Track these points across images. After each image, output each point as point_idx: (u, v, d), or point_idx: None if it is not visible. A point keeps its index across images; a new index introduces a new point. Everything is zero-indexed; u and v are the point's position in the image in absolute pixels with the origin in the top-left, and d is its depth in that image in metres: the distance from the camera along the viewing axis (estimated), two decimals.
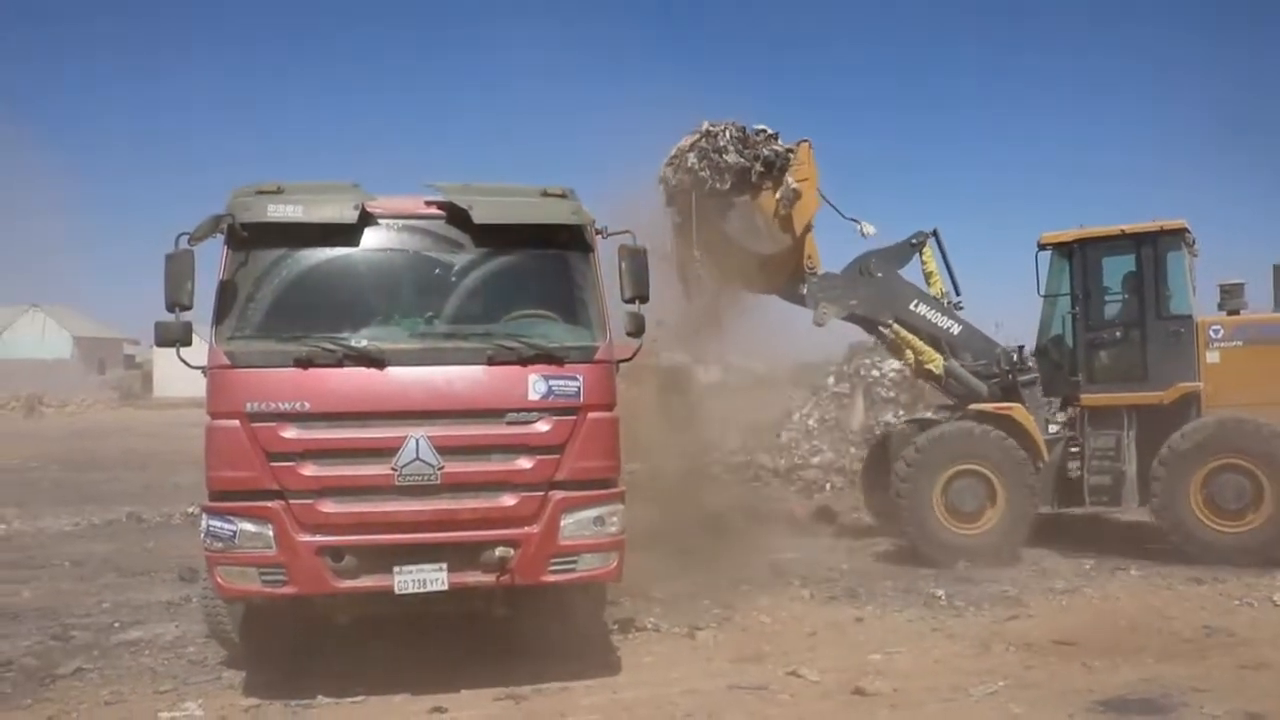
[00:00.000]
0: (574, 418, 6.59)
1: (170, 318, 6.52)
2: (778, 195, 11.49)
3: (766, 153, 11.50)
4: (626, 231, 7.13)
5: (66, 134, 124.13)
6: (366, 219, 6.66)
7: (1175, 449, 10.72)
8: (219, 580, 6.41)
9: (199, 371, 6.50)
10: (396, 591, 6.38)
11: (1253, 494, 10.50)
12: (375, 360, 6.41)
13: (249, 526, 6.29)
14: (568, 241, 6.93)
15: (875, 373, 20.27)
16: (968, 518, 11.00)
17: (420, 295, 6.83)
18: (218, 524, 6.33)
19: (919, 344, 11.99)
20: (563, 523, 6.56)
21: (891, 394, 19.93)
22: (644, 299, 7.08)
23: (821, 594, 9.65)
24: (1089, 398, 11.49)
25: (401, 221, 6.84)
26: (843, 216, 11.99)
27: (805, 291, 11.92)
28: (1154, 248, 11.35)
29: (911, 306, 12.00)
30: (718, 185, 11.41)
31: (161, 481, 20.05)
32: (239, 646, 7.41)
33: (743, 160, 11.43)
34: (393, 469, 6.34)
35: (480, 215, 6.70)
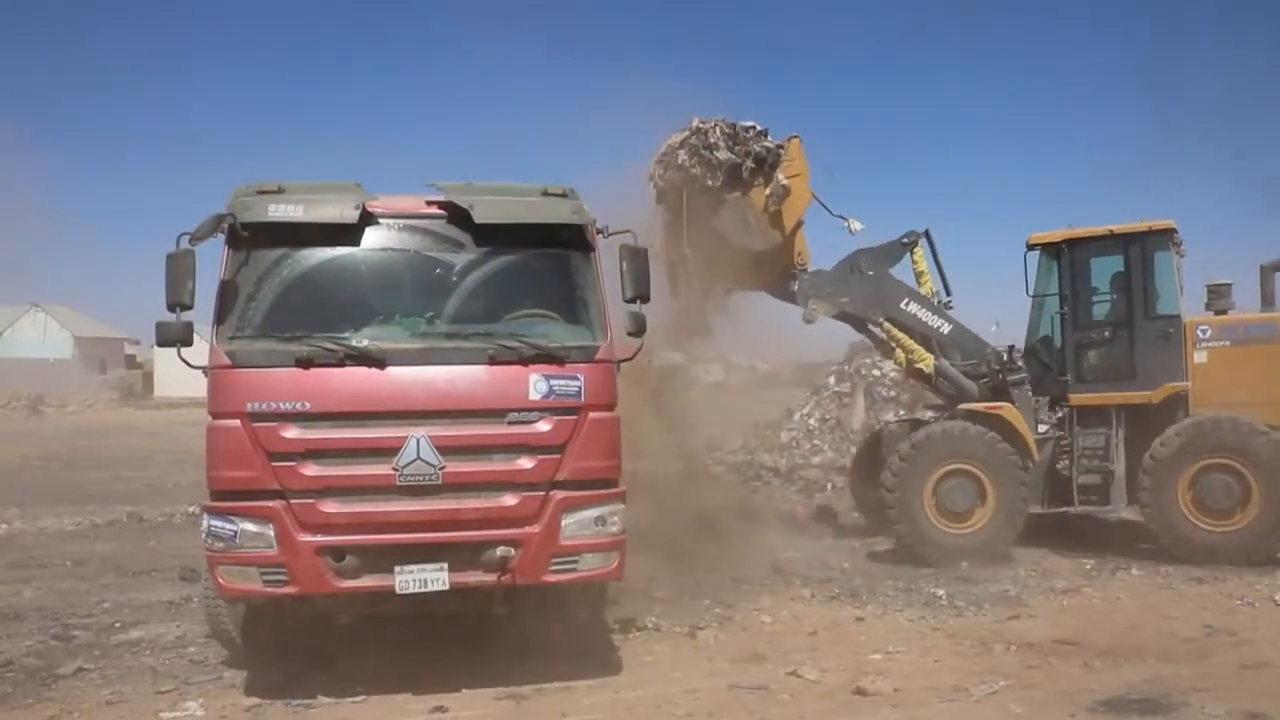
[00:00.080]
0: (575, 417, 6.59)
1: (171, 318, 6.52)
2: (768, 191, 11.46)
3: (757, 149, 11.47)
4: (627, 231, 7.12)
5: (67, 134, 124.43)
6: (367, 219, 6.66)
7: (1164, 449, 10.76)
8: (220, 580, 6.41)
9: (200, 371, 6.49)
10: (397, 591, 6.38)
11: (1240, 493, 10.54)
12: (376, 360, 6.41)
13: (250, 526, 6.29)
14: (569, 241, 6.92)
15: (876, 372, 20.28)
16: (958, 517, 11.02)
17: (421, 295, 6.83)
18: (219, 524, 6.33)
19: (910, 343, 12.00)
20: (564, 522, 6.56)
21: (892, 393, 19.94)
22: (645, 299, 7.08)
23: (822, 594, 9.64)
24: (1078, 397, 11.53)
25: (402, 221, 6.84)
26: (831, 213, 11.99)
27: (796, 289, 11.91)
28: (1142, 248, 11.40)
29: (902, 305, 12.00)
30: (709, 182, 11.37)
31: (163, 481, 20.08)
32: (240, 646, 7.42)
33: (734, 157, 11.38)
34: (394, 469, 6.33)
35: (481, 215, 6.69)
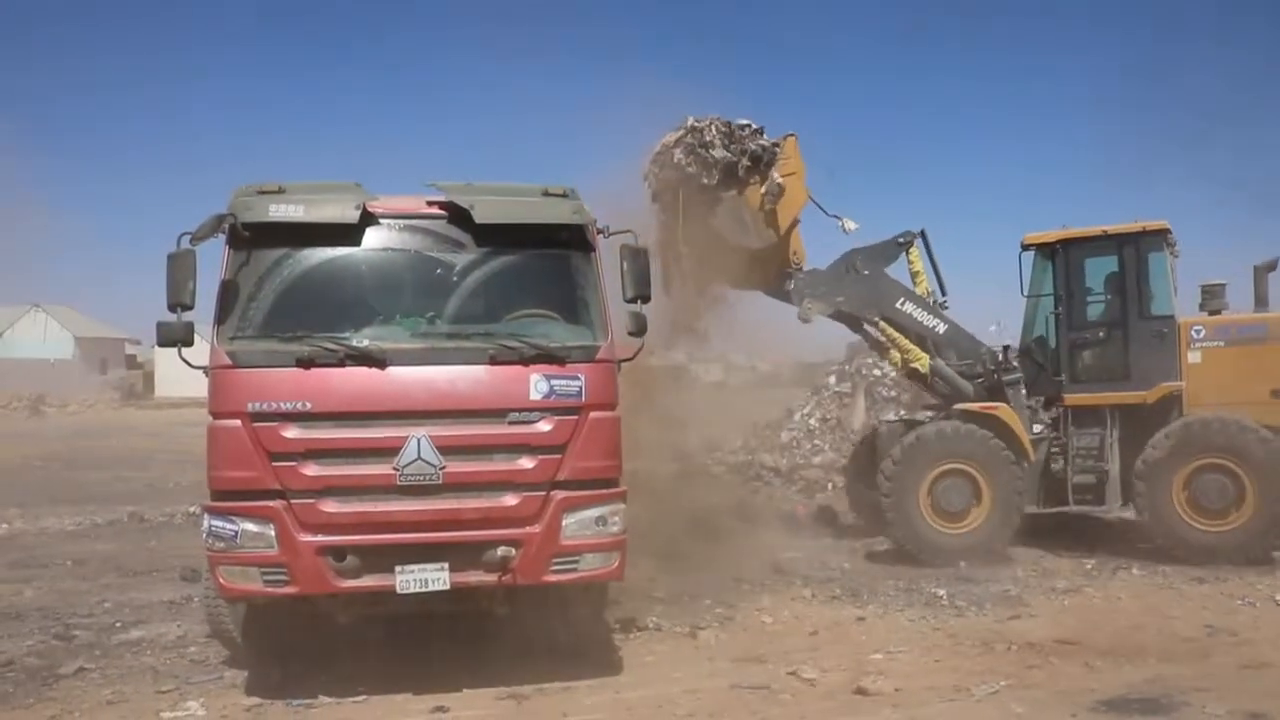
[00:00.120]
0: (576, 417, 6.59)
1: (172, 318, 6.52)
2: (763, 190, 11.44)
3: (753, 147, 11.45)
4: (628, 231, 7.12)
5: (68, 134, 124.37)
6: (368, 219, 6.66)
7: (1158, 449, 10.78)
8: (221, 580, 6.41)
9: (200, 371, 6.49)
10: (398, 591, 6.38)
11: (1235, 493, 10.55)
12: (377, 360, 6.41)
13: (251, 526, 6.29)
14: (569, 241, 6.92)
15: (877, 372, 20.26)
16: (954, 517, 11.02)
17: (422, 295, 6.83)
18: (220, 524, 6.33)
19: (905, 342, 11.99)
20: (564, 522, 6.56)
21: (893, 393, 19.91)
22: (646, 299, 7.08)
23: (823, 593, 9.64)
24: (1072, 397, 11.54)
25: (403, 221, 6.84)
26: (825, 213, 11.96)
27: (791, 288, 11.90)
28: (1136, 248, 11.42)
29: (898, 304, 11.99)
30: (705, 180, 11.35)
31: (163, 481, 20.08)
32: (241, 646, 7.42)
33: (729, 155, 11.37)
34: (394, 469, 6.33)
35: (481, 215, 6.69)
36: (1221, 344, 11.09)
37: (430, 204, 6.83)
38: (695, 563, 10.11)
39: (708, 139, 11.39)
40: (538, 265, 7.04)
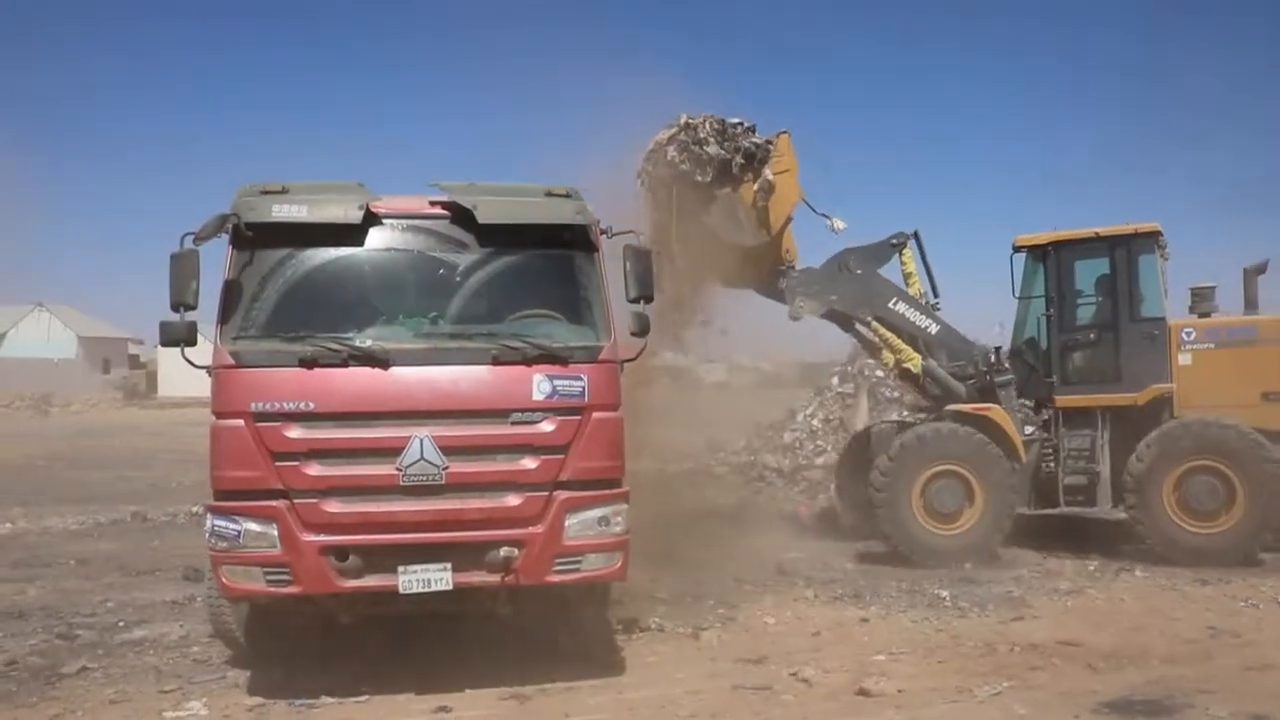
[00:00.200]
0: (578, 418, 6.59)
1: (175, 317, 6.52)
2: (756, 187, 11.43)
3: (747, 145, 11.43)
4: (631, 231, 7.13)
5: (70, 134, 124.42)
6: (371, 219, 6.66)
7: (1148, 451, 10.79)
8: (224, 580, 6.41)
9: (204, 371, 6.49)
10: (401, 591, 6.38)
11: (1225, 495, 10.58)
12: (380, 360, 6.41)
13: (254, 526, 6.29)
14: (572, 241, 6.92)
15: (879, 373, 20.21)
16: (946, 518, 11.02)
17: (425, 295, 6.83)
18: (222, 523, 6.33)
19: (898, 343, 11.98)
20: (567, 523, 6.55)
21: (895, 394, 19.87)
22: (649, 299, 7.08)
23: (826, 594, 9.63)
24: (1063, 399, 11.57)
25: (406, 221, 6.84)
26: (814, 211, 11.93)
27: (783, 286, 11.88)
28: (1127, 250, 11.45)
29: (891, 304, 11.97)
30: (699, 178, 11.32)
31: (166, 481, 20.10)
32: (243, 646, 7.43)
33: (723, 152, 11.34)
34: (397, 469, 6.34)
35: (484, 215, 6.69)
36: (1212, 346, 11.14)
37: (433, 204, 6.84)
38: (698, 563, 10.10)
39: (701, 136, 11.36)
40: (541, 265, 7.04)
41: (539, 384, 6.54)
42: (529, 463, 6.54)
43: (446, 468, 6.37)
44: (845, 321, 12.34)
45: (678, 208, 11.36)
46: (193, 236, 6.48)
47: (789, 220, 11.75)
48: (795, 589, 9.87)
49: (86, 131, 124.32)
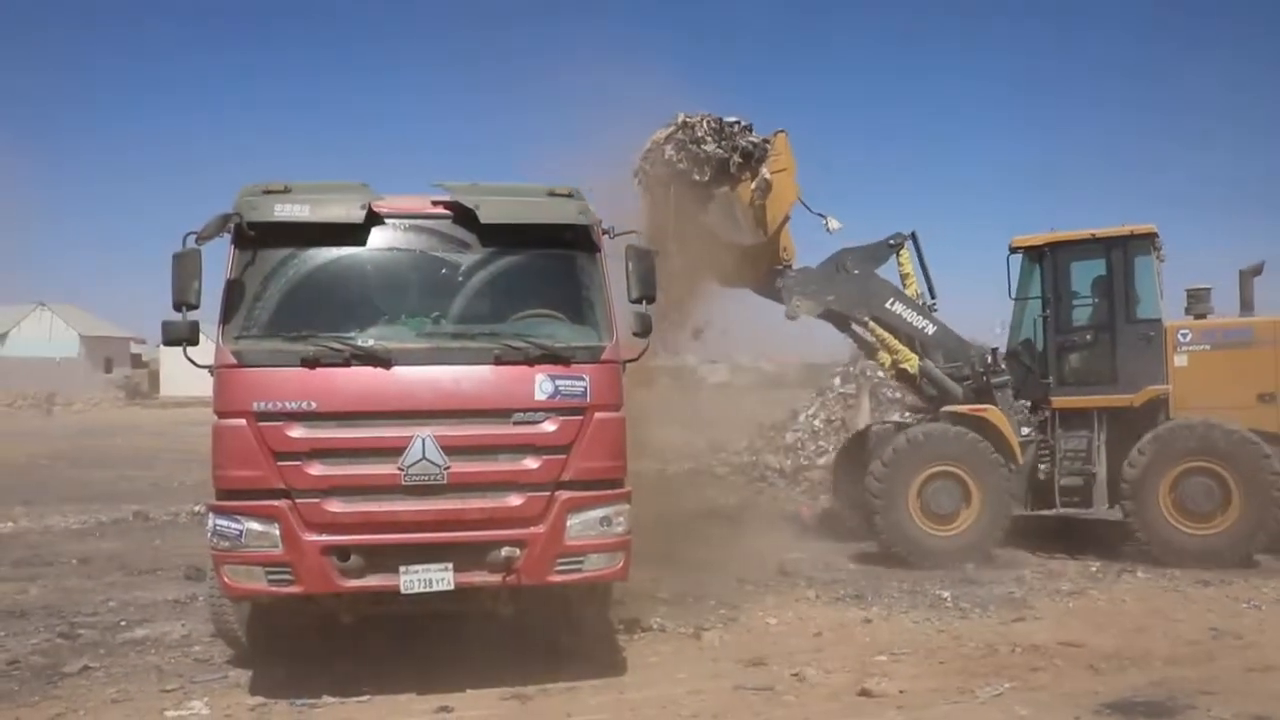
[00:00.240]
0: (580, 418, 6.59)
1: (177, 317, 6.52)
2: (753, 186, 11.41)
3: (744, 144, 11.42)
4: (633, 231, 7.13)
5: (72, 133, 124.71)
6: (373, 219, 6.66)
7: (1144, 453, 10.79)
8: (225, 579, 6.41)
9: (206, 371, 6.50)
10: (402, 591, 6.37)
11: (1221, 496, 10.58)
12: (382, 360, 6.41)
13: (255, 526, 6.29)
14: (574, 241, 6.92)
15: (881, 374, 20.22)
16: (943, 519, 11.01)
17: (427, 295, 6.83)
18: (224, 523, 6.33)
19: (894, 343, 11.98)
20: (569, 523, 6.55)
21: (897, 395, 19.86)
22: (651, 299, 7.07)
23: (827, 595, 9.63)
24: (1059, 400, 11.58)
25: (408, 221, 6.84)
26: (810, 210, 11.91)
27: (780, 285, 11.87)
28: (1123, 252, 11.45)
29: (888, 305, 11.97)
30: (697, 177, 11.32)
31: (168, 480, 20.11)
32: (245, 645, 7.43)
33: (721, 151, 11.33)
34: (399, 469, 6.33)
35: (487, 215, 6.70)
36: (1208, 348, 11.15)
37: (435, 204, 6.83)
38: (699, 563, 10.11)
39: (699, 135, 11.36)
40: (543, 265, 7.04)
41: (541, 384, 6.54)
42: (531, 463, 6.53)
43: (448, 467, 6.37)
44: (842, 321, 12.33)
45: (675, 206, 11.35)
46: (195, 236, 6.48)
47: (786, 219, 11.74)
48: (797, 589, 9.87)
49: (88, 131, 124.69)
